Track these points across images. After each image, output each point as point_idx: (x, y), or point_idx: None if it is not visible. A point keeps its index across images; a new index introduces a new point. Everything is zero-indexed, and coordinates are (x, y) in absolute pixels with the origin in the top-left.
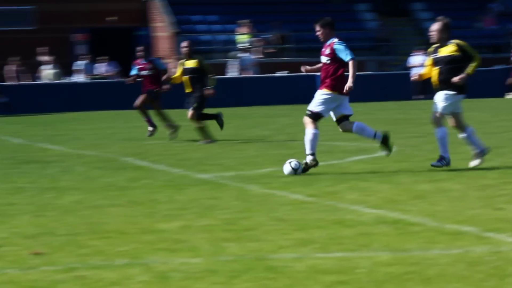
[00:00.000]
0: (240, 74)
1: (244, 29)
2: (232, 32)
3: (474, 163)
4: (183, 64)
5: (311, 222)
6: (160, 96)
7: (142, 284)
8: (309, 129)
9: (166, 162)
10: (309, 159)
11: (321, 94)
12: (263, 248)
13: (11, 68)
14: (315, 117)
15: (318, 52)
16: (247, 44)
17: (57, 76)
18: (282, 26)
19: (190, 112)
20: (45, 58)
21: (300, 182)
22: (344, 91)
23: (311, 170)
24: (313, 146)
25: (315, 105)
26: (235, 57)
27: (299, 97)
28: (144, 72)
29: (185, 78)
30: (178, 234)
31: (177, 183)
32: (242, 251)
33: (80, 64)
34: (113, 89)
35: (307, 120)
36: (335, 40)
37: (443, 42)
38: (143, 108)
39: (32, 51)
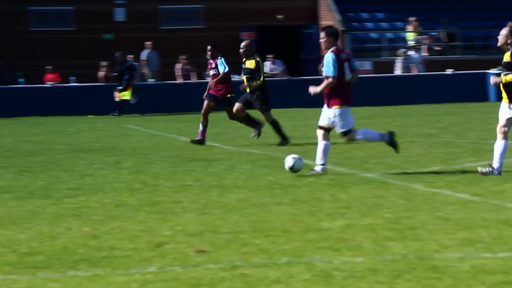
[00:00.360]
0: (407, 72)
1: (412, 27)
2: (400, 29)
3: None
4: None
5: (476, 222)
6: (228, 101)
7: (305, 283)
8: (356, 135)
9: (330, 161)
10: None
11: (335, 114)
12: (427, 248)
13: (179, 67)
14: (348, 132)
15: (485, 50)
16: (415, 42)
17: None
18: (449, 24)
19: (263, 116)
20: None
21: (465, 181)
22: (310, 91)
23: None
24: (374, 138)
25: (340, 126)
26: (403, 55)
27: (466, 95)
28: (211, 72)
29: (244, 78)
30: (341, 232)
31: (341, 181)
32: (405, 250)
33: None
34: (278, 88)
35: (344, 139)
36: (330, 51)
37: (507, 48)
38: (206, 116)
39: (200, 49)
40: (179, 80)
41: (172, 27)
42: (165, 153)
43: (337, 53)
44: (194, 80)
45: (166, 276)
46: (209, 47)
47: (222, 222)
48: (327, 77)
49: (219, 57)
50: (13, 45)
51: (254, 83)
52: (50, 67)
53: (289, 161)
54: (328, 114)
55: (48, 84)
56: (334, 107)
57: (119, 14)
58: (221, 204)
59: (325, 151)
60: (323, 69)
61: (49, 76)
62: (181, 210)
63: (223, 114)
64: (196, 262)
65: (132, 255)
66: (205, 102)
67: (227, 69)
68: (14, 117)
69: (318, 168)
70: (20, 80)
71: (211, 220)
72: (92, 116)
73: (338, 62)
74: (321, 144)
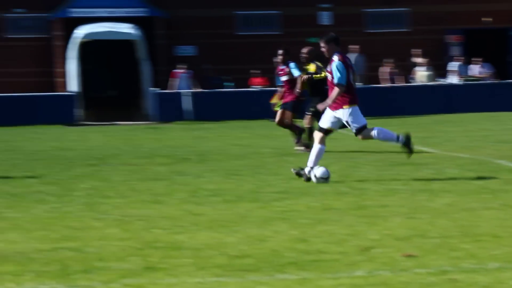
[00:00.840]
0: None
1: None
2: None
3: None
4: (306, 69)
5: None
6: (296, 107)
7: None
8: (373, 133)
9: None
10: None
11: (348, 114)
12: None
13: (385, 70)
14: (363, 128)
15: None
16: None
17: (430, 77)
18: None
19: (307, 118)
20: (419, 59)
21: None
22: (319, 107)
23: None
24: (392, 137)
25: (356, 124)
26: None
27: None
28: (283, 78)
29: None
30: None
31: None
32: None
33: (454, 65)
34: (486, 91)
35: (360, 137)
36: (335, 58)
37: None
38: (284, 124)
39: (406, 53)
40: (384, 84)
41: (376, 30)
42: (371, 156)
43: (343, 60)
44: (399, 83)
45: (374, 280)
46: (280, 52)
47: (430, 227)
48: (338, 85)
49: (290, 62)
50: (220, 49)
51: (317, 76)
52: (258, 71)
53: (320, 171)
54: (336, 116)
55: (256, 88)
56: (344, 107)
57: (325, 18)
58: (429, 208)
59: (319, 155)
60: (330, 76)
61: (256, 80)
62: (388, 214)
63: (429, 118)
64: (404, 267)
65: (340, 259)
66: (280, 112)
67: (299, 73)
68: (222, 121)
69: (306, 169)
70: (227, 84)
71: (419, 224)
72: (299, 120)
73: (346, 68)
74: (316, 147)
